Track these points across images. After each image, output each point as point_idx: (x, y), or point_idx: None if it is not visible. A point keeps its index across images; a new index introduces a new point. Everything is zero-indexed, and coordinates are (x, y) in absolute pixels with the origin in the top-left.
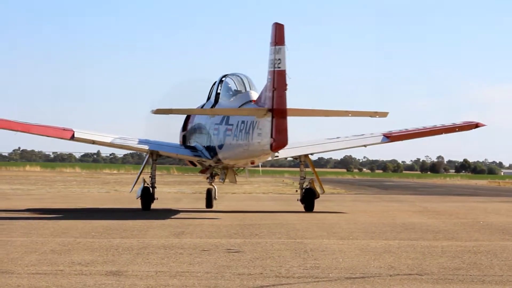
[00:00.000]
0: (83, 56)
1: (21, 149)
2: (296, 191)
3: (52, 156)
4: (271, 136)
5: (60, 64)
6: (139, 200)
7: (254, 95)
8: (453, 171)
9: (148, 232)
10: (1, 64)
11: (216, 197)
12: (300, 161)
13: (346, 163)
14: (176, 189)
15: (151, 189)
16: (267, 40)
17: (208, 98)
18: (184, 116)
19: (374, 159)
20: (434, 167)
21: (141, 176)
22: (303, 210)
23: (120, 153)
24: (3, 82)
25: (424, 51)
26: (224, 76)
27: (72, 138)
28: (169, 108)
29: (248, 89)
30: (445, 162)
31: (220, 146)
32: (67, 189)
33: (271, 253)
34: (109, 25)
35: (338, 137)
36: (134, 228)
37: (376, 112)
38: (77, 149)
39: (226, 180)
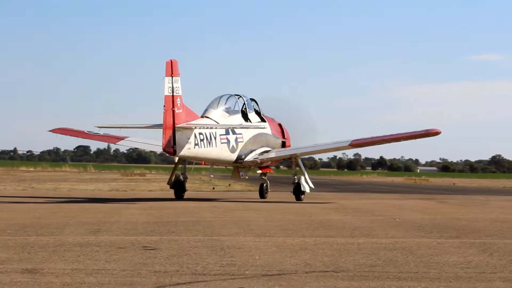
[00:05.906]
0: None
1: None
2: (213, 188)
3: None
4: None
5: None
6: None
7: (208, 112)
8: (370, 168)
9: (64, 229)
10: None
11: (268, 190)
12: (292, 161)
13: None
14: (93, 186)
15: (182, 182)
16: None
17: None
18: None
19: None
20: (351, 164)
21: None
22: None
23: (37, 150)
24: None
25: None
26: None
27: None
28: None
29: (210, 107)
30: (361, 159)
31: None
32: None
33: (187, 251)
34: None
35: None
36: (51, 225)
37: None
38: None
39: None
